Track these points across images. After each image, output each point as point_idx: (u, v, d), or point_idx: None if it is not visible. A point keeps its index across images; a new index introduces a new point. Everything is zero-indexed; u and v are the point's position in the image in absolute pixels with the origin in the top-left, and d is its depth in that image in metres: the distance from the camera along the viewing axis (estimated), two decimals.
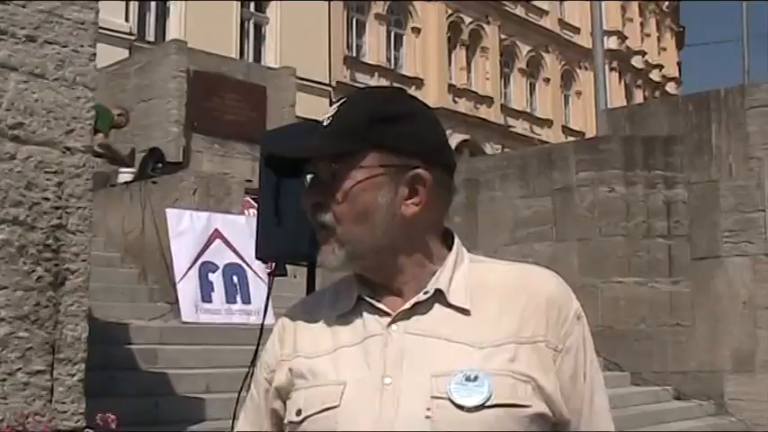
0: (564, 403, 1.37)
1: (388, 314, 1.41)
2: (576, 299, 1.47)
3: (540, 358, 1.37)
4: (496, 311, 1.39)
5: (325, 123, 1.43)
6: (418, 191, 1.41)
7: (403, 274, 1.43)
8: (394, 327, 1.39)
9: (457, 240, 1.49)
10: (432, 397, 1.31)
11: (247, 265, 9.26)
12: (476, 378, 1.31)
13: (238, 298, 9.22)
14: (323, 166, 1.41)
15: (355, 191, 1.39)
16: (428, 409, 1.30)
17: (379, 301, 1.43)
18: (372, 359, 1.37)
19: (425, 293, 1.41)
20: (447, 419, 1.30)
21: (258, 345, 3.88)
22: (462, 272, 1.44)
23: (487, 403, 1.30)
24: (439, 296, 1.41)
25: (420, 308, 1.40)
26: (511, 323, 1.38)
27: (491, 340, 1.36)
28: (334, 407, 1.35)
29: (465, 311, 1.39)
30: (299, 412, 1.39)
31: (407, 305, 1.40)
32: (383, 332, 1.39)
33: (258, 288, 9.15)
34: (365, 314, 1.43)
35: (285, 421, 1.45)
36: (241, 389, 3.99)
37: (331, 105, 1.48)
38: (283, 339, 1.51)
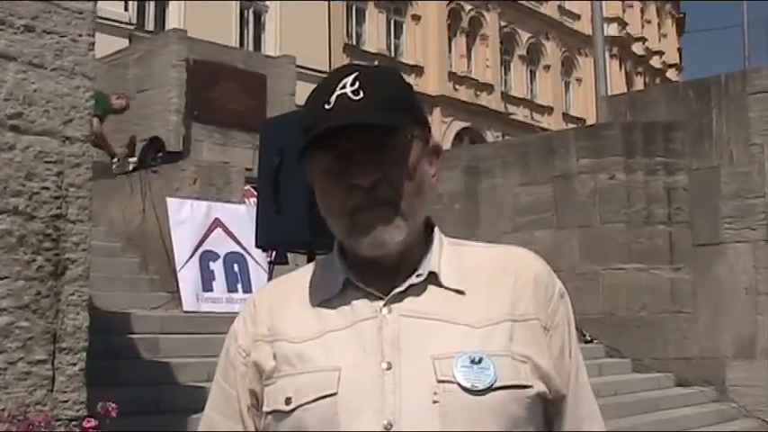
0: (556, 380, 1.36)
1: (379, 297, 1.34)
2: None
3: (533, 336, 1.35)
4: (488, 291, 1.36)
5: (354, 97, 1.31)
6: (433, 162, 1.42)
7: (407, 254, 1.37)
8: (386, 310, 1.33)
9: (434, 222, 1.46)
10: (438, 381, 1.26)
11: (248, 253, 9.27)
12: (480, 360, 1.27)
13: (239, 287, 9.22)
14: (371, 139, 1.31)
15: (416, 163, 1.35)
16: (435, 393, 1.25)
17: (367, 285, 1.36)
18: (367, 343, 1.31)
19: (419, 276, 1.36)
20: (455, 404, 1.25)
21: None
22: (448, 254, 1.41)
23: (494, 386, 1.26)
24: (432, 278, 1.37)
25: (413, 290, 1.35)
26: (504, 302, 1.35)
27: (488, 318, 1.33)
28: (332, 394, 1.27)
29: (459, 292, 1.35)
30: (288, 401, 1.30)
31: (402, 287, 1.35)
32: (376, 315, 1.33)
33: (259, 277, 9.16)
34: (353, 298, 1.36)
35: (266, 410, 1.35)
36: None
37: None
38: (256, 319, 1.42)
